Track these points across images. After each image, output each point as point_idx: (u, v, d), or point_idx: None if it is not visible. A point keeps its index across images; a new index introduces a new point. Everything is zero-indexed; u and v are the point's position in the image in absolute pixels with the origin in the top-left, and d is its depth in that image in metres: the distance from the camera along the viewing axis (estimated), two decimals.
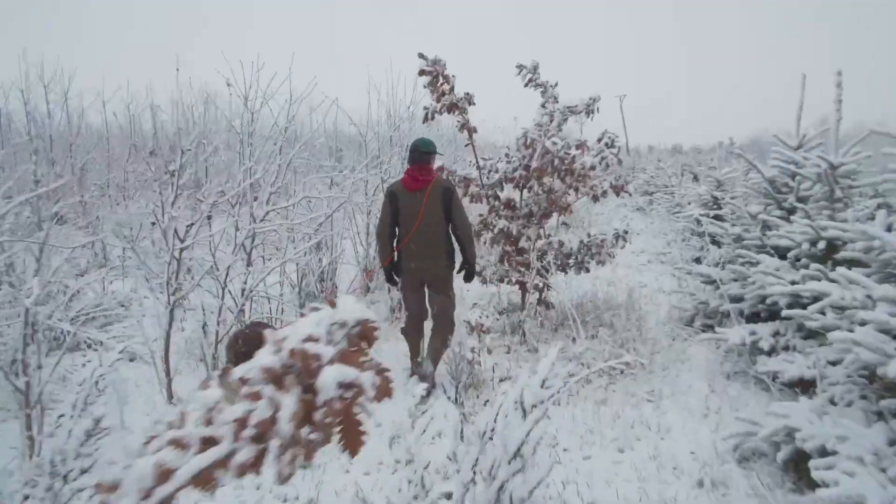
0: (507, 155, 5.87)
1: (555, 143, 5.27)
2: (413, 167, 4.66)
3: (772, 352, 4.54)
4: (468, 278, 4.93)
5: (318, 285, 7.05)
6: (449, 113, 5.48)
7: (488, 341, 4.22)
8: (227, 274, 4.97)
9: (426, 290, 4.90)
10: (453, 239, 4.79)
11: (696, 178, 17.93)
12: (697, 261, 8.83)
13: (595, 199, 5.59)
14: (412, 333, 4.99)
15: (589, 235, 5.67)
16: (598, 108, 5.75)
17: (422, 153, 4.64)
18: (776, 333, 4.63)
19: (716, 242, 8.61)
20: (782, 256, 5.20)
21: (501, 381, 4.75)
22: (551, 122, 5.76)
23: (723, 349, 5.03)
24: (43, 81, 16.15)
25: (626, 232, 5.55)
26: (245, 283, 5.16)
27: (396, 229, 4.76)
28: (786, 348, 4.54)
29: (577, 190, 5.76)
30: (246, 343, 3.90)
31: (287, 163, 5.52)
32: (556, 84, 5.80)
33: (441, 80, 5.41)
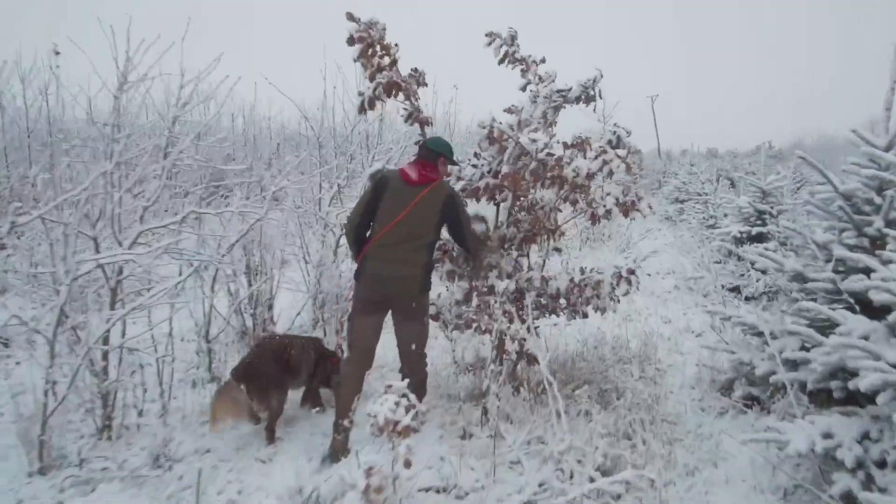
0: (476, 155, 4.29)
1: (534, 140, 3.68)
2: (417, 161, 3.83)
3: (859, 467, 2.90)
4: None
5: (249, 317, 5.57)
6: (389, 97, 3.93)
7: (404, 451, 2.65)
8: (56, 324, 3.50)
9: (389, 318, 3.84)
10: (433, 256, 3.92)
11: (733, 185, 16.09)
12: (736, 290, 7.12)
13: (593, 219, 3.98)
14: (348, 381, 3.75)
15: (582, 271, 4.04)
16: (599, 92, 4.15)
17: (429, 150, 3.84)
18: (865, 436, 2.98)
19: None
20: (867, 305, 3.55)
21: (438, 492, 3.19)
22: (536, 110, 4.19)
23: (775, 447, 3.38)
24: (19, 73, 15.05)
25: (632, 272, 3.90)
26: (108, 328, 3.70)
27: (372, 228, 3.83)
28: (882, 464, 2.88)
29: (574, 204, 4.17)
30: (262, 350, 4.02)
31: (169, 167, 4.02)
32: (543, 60, 4.21)
33: (378, 49, 3.86)
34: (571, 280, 3.92)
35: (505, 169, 3.81)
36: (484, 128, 3.81)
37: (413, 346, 3.80)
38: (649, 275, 7.64)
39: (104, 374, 3.93)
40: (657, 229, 13.96)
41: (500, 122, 3.79)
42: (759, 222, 7.40)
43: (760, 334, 4.19)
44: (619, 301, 3.89)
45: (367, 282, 3.70)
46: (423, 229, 3.70)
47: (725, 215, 10.02)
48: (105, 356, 3.94)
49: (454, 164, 4.04)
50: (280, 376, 4.01)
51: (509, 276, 4.12)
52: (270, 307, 5.76)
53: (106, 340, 3.93)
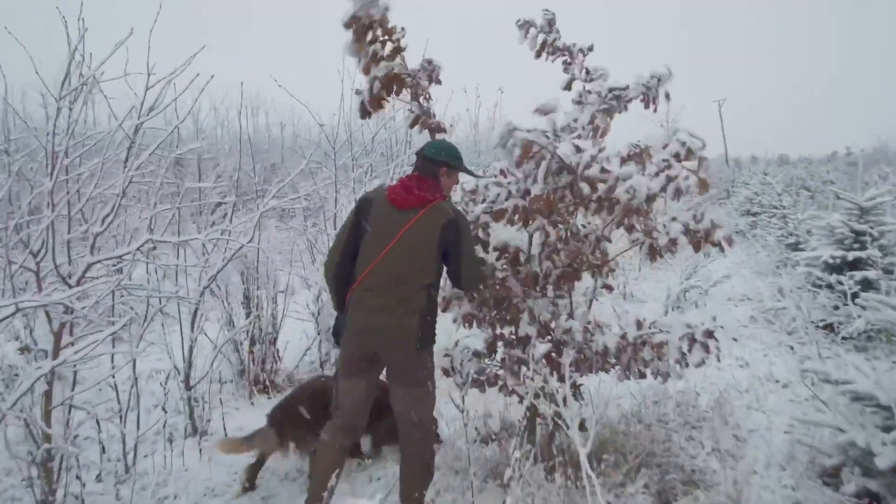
0: (502, 172, 3.40)
1: (578, 150, 2.76)
2: (412, 176, 2.99)
3: None
4: None
5: (248, 356, 4.83)
6: (388, 94, 3.09)
7: None
8: None
9: (381, 378, 3.10)
10: (437, 301, 3.03)
11: (812, 197, 14.61)
12: (829, 329, 5.95)
13: (653, 254, 3.03)
14: (326, 451, 2.98)
15: (639, 325, 3.08)
16: (666, 94, 3.20)
17: (426, 160, 2.98)
18: None
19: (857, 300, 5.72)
20: None
21: None
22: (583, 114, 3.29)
23: None
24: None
25: (711, 335, 2.88)
26: (32, 384, 2.99)
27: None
28: None
29: (629, 230, 3.24)
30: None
31: (126, 183, 3.31)
32: (591, 48, 3.30)
33: (379, 33, 3.03)
34: (624, 336, 2.97)
35: (536, 189, 2.90)
36: (506, 142, 2.85)
37: (412, 418, 2.96)
38: (735, 339, 6.11)
39: (43, 437, 3.23)
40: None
41: (531, 130, 2.85)
42: (856, 245, 6.20)
43: (883, 408, 3.15)
44: (686, 367, 2.90)
45: (351, 335, 2.90)
46: (417, 267, 2.86)
47: (809, 232, 8.76)
48: (47, 415, 3.25)
49: (467, 171, 3.16)
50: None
51: (545, 327, 3.21)
52: (274, 341, 5.01)
53: (49, 395, 3.27)
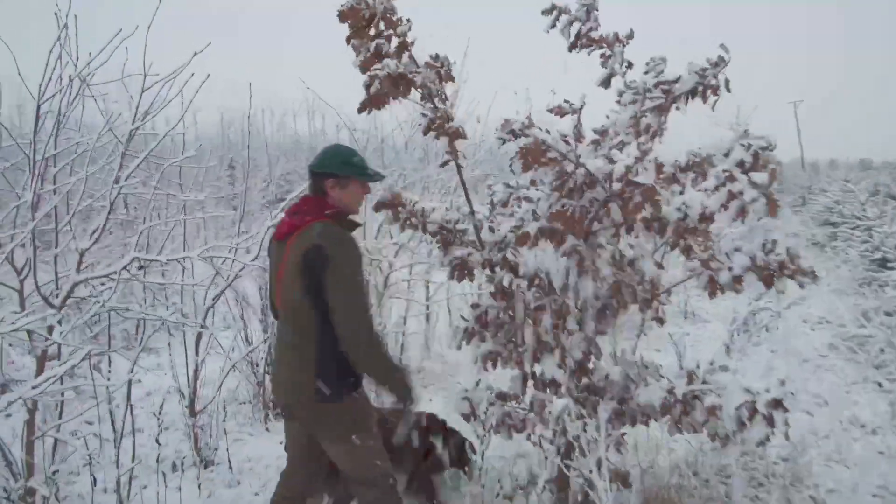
0: (532, 183, 2.93)
1: (610, 161, 2.26)
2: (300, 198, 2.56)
3: None
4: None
5: (265, 376, 4.51)
6: (395, 97, 2.66)
7: None
8: None
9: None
10: (331, 353, 2.35)
11: None
12: None
13: (713, 288, 2.50)
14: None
15: (690, 379, 2.52)
16: (726, 83, 2.65)
17: (312, 175, 2.48)
18: None
19: None
20: None
21: None
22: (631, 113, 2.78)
23: None
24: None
25: (779, 405, 2.26)
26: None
27: None
28: None
29: (686, 252, 2.72)
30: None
31: (117, 192, 3.02)
32: (631, 37, 2.78)
33: (382, 27, 2.62)
34: (671, 391, 2.44)
35: (558, 206, 2.42)
36: (509, 138, 2.36)
37: (350, 475, 2.50)
38: (810, 414, 4.39)
39: (24, 470, 2.97)
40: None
41: (548, 132, 2.36)
42: None
43: None
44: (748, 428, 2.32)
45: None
46: (297, 308, 2.34)
47: None
48: (29, 446, 3.00)
49: (366, 177, 2.51)
50: None
51: (582, 368, 2.72)
52: None
53: (31, 424, 3.01)
